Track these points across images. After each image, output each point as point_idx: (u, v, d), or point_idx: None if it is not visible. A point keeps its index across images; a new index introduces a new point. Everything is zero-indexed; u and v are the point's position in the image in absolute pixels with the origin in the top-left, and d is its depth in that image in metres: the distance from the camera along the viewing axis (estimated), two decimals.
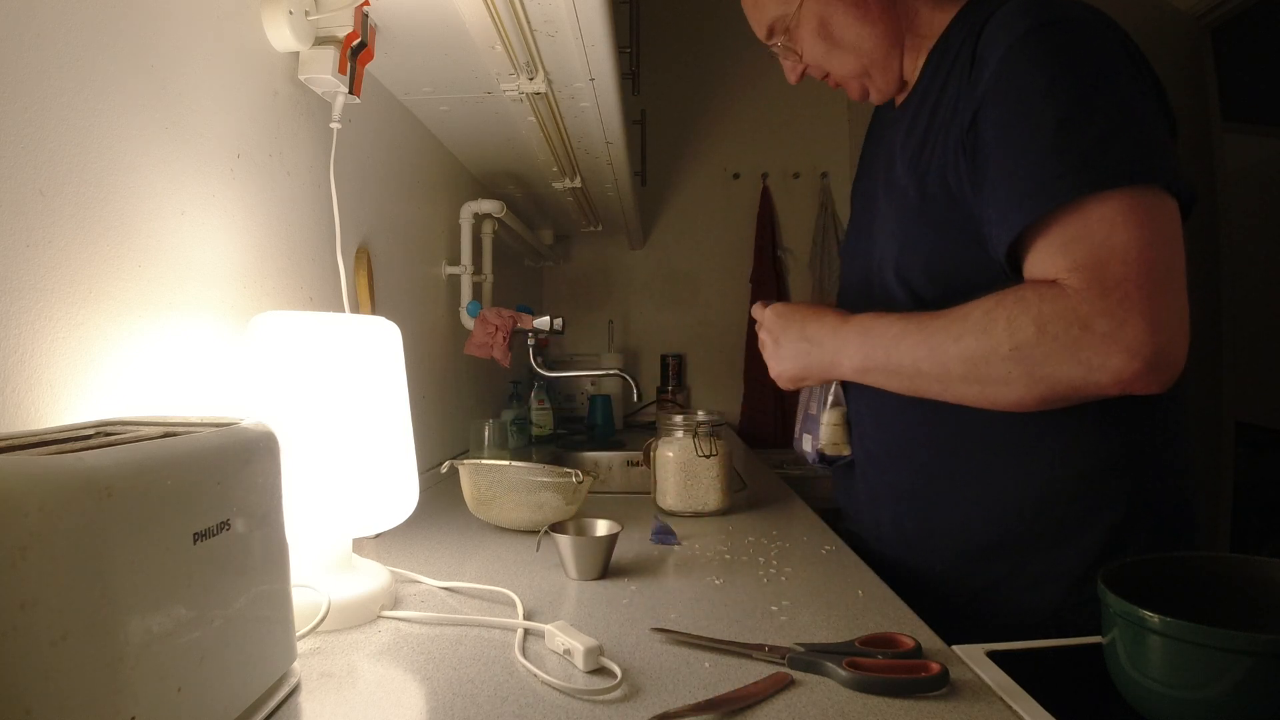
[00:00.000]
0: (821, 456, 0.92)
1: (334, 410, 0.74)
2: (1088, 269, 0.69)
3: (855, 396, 0.92)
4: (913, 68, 0.92)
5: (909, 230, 0.85)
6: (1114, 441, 0.79)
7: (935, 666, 0.60)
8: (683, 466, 1.23)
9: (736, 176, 2.96)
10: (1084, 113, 0.70)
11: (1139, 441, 0.81)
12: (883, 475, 0.92)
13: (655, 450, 1.28)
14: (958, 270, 0.78)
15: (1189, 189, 0.71)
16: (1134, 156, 0.69)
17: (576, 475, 1.12)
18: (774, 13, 0.95)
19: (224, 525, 0.48)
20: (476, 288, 1.81)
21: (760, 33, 1.00)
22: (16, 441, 0.44)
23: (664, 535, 1.08)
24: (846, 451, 0.91)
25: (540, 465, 1.14)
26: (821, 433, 0.88)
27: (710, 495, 1.23)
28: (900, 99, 0.95)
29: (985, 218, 0.76)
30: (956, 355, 0.75)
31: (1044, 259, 0.71)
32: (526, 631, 0.72)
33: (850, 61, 0.93)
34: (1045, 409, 0.76)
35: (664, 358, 2.89)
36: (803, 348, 0.89)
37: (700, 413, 1.29)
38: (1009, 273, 0.76)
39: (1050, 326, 0.70)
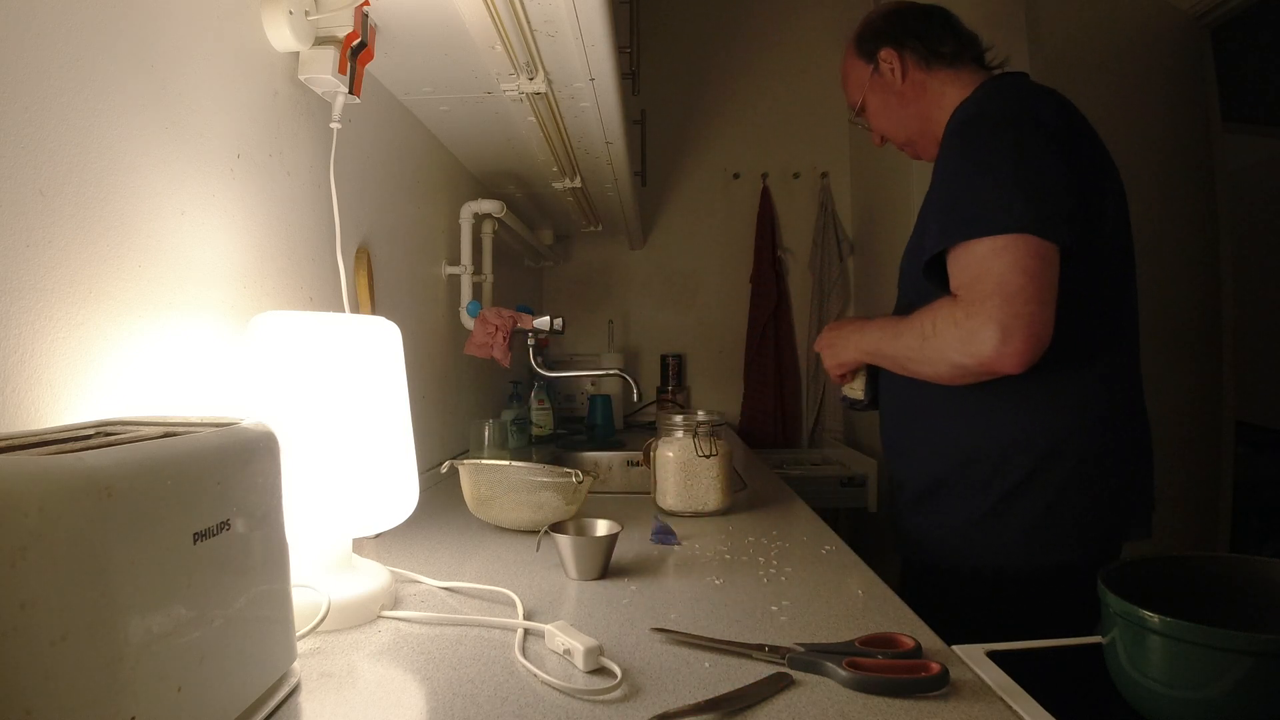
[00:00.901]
0: (845, 399, 1.31)
1: (334, 410, 0.74)
2: (966, 287, 1.00)
3: (883, 374, 1.24)
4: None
5: (908, 252, 1.20)
6: (1023, 423, 1.07)
7: (935, 666, 0.60)
8: (683, 466, 1.23)
9: (736, 176, 2.96)
10: (971, 187, 1.03)
11: (1043, 428, 1.06)
12: (884, 425, 1.28)
13: (655, 450, 1.28)
14: (921, 284, 1.11)
15: (1062, 233, 0.97)
16: (1001, 216, 0.98)
17: (576, 475, 1.12)
18: (853, 96, 1.32)
19: (224, 525, 0.48)
20: (476, 288, 1.81)
21: (852, 112, 1.36)
22: (16, 441, 0.44)
23: (664, 535, 1.08)
24: (859, 397, 1.28)
25: (540, 465, 1.14)
26: (845, 386, 1.31)
27: (710, 495, 1.23)
28: None
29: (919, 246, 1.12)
30: (904, 346, 1.10)
31: (951, 278, 1.03)
32: (526, 631, 0.72)
33: (899, 134, 1.28)
34: (956, 383, 1.06)
35: (664, 358, 2.89)
36: (839, 343, 1.26)
37: (700, 413, 1.29)
38: (930, 283, 1.07)
39: (942, 325, 1.02)
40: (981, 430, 1.09)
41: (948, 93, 1.19)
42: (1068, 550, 1.05)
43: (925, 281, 1.08)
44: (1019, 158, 1.01)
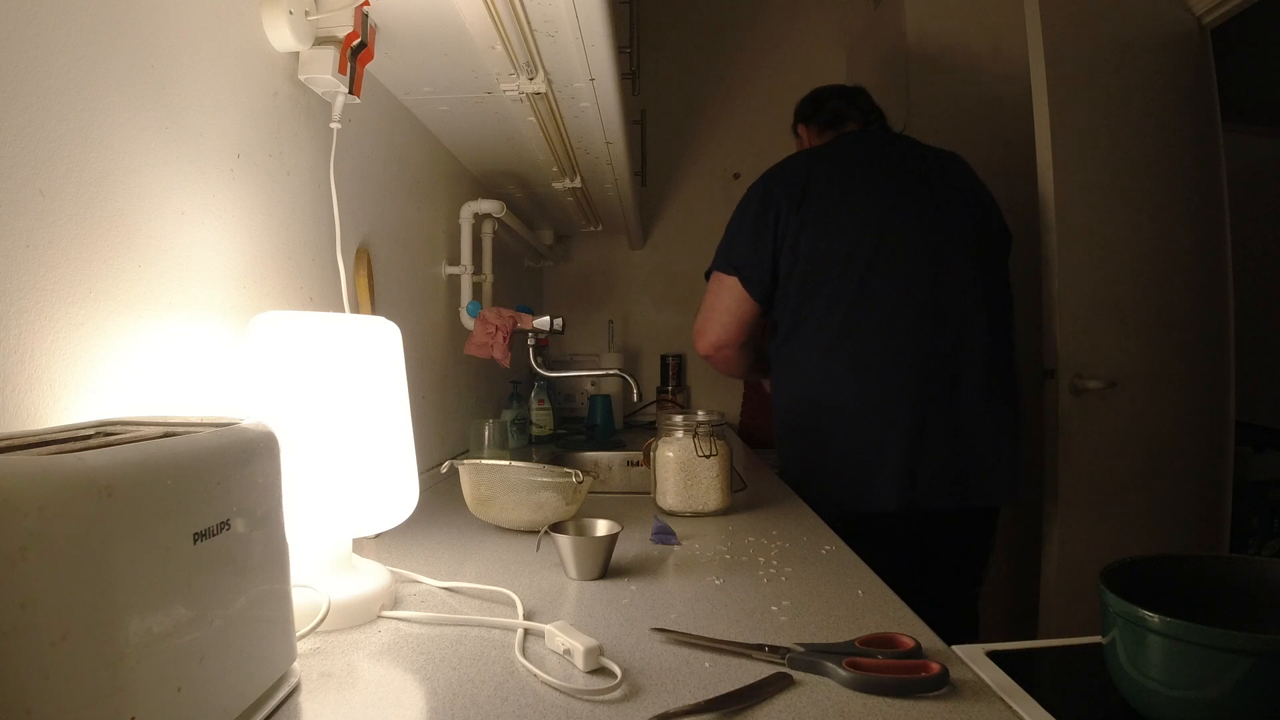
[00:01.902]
0: None
1: (334, 410, 0.74)
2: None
3: None
4: None
5: None
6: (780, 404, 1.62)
7: (935, 666, 0.60)
8: (683, 466, 1.23)
9: (736, 176, 2.96)
10: (724, 238, 1.61)
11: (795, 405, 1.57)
12: None
13: (655, 450, 1.28)
14: None
15: (744, 274, 1.54)
16: (717, 259, 1.60)
17: (576, 475, 1.12)
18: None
19: (224, 525, 0.48)
20: (476, 288, 1.81)
21: None
22: (16, 441, 0.44)
23: (664, 535, 1.08)
24: None
25: (540, 465, 1.14)
26: None
27: (710, 495, 1.23)
28: None
29: None
30: None
31: None
32: (526, 631, 0.72)
33: None
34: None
35: (664, 358, 2.89)
36: None
37: (700, 413, 1.29)
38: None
39: None
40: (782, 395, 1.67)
41: None
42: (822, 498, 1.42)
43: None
44: (742, 218, 1.57)
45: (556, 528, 0.92)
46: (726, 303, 1.55)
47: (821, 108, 1.74)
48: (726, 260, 1.55)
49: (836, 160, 1.55)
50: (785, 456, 1.59)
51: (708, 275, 1.62)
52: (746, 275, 1.52)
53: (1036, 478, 1.91)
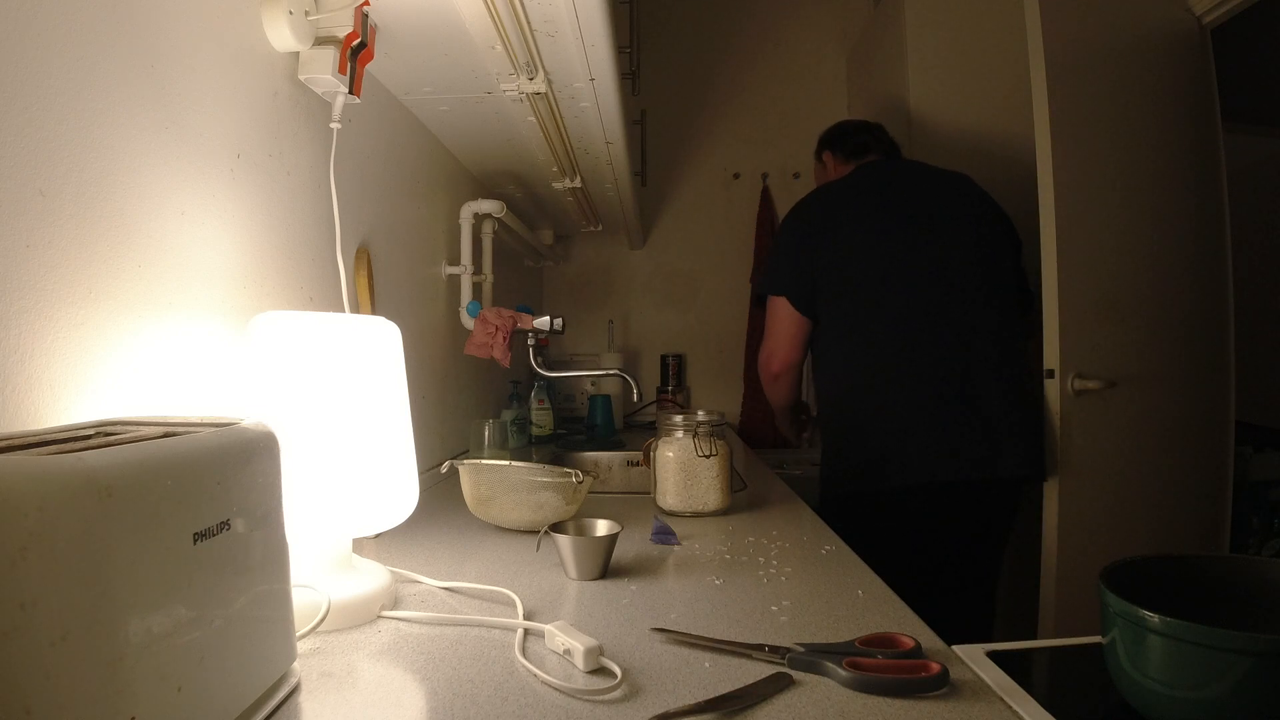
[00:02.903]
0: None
1: (334, 410, 0.74)
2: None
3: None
4: None
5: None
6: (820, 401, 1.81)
7: (935, 666, 0.60)
8: (683, 466, 1.23)
9: (737, 176, 2.96)
10: (769, 264, 1.81)
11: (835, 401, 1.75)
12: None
13: (655, 450, 1.28)
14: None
15: (791, 294, 1.73)
16: (766, 283, 1.79)
17: (576, 475, 1.12)
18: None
19: (224, 525, 0.48)
20: (476, 288, 1.81)
21: None
22: (16, 441, 0.44)
23: (664, 535, 1.08)
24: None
25: (540, 465, 1.14)
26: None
27: (710, 495, 1.23)
28: None
29: None
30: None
31: None
32: (526, 631, 0.72)
33: None
34: (768, 392, 1.91)
35: (664, 358, 2.89)
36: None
37: (700, 413, 1.29)
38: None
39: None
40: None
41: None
42: (855, 483, 1.65)
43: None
44: (786, 240, 1.77)
45: (556, 528, 0.92)
46: (785, 324, 1.74)
47: (848, 139, 1.94)
48: (774, 284, 1.76)
49: (861, 188, 1.76)
50: (826, 445, 1.81)
51: (760, 301, 1.86)
52: (793, 295, 1.73)
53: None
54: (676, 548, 1.04)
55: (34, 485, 0.37)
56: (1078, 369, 1.83)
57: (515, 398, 2.24)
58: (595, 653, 0.64)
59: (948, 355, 1.63)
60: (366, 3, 1.00)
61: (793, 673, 0.63)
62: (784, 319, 1.74)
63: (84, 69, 0.63)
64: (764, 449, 2.70)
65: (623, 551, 1.00)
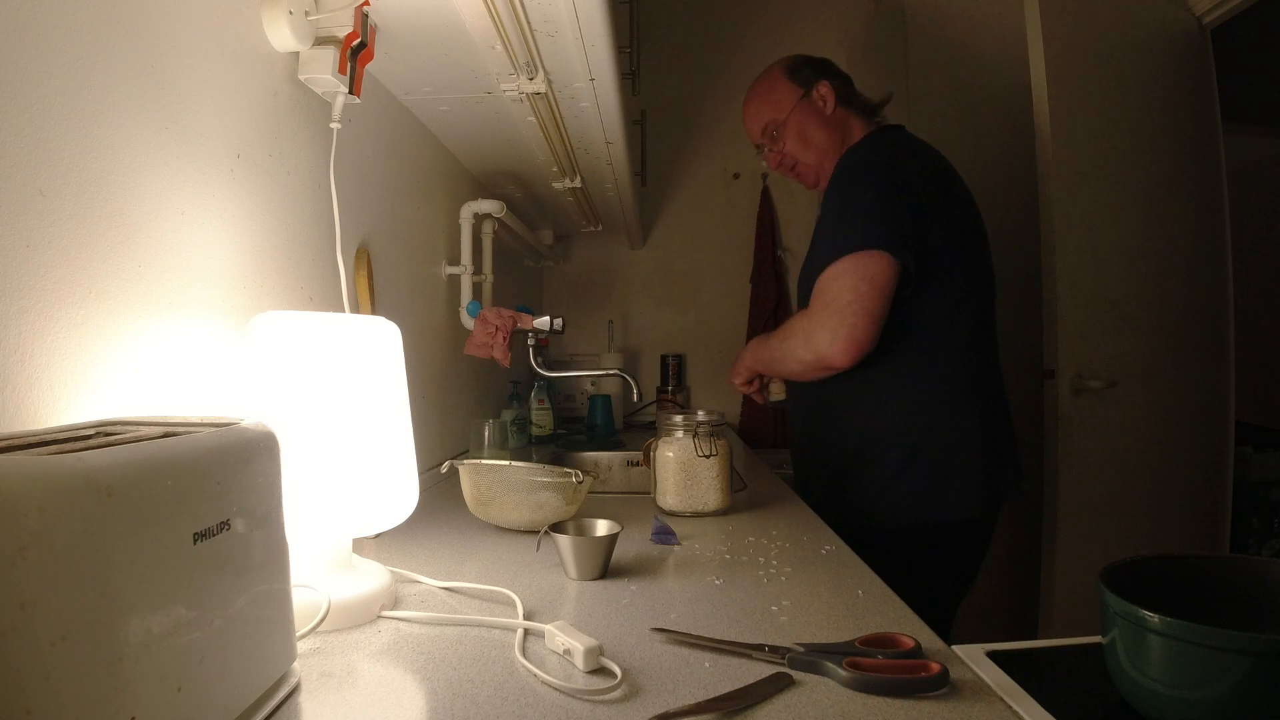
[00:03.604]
0: (773, 401, 1.58)
1: (334, 410, 0.74)
2: (816, 298, 1.28)
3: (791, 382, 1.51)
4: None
5: (806, 264, 1.41)
6: (891, 413, 1.35)
7: (935, 666, 0.60)
8: (683, 466, 1.23)
9: (736, 176, 2.96)
10: (842, 217, 1.30)
11: (909, 414, 1.34)
12: (793, 420, 1.57)
13: (655, 450, 1.28)
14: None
15: (900, 250, 1.23)
16: (858, 237, 1.25)
17: (576, 475, 1.12)
18: (768, 117, 1.52)
19: (224, 525, 0.48)
20: (476, 288, 1.81)
21: (754, 132, 1.57)
22: (16, 441, 0.44)
23: (664, 535, 1.08)
24: (783, 397, 1.56)
25: (540, 465, 1.14)
26: (770, 388, 1.58)
27: (710, 495, 1.23)
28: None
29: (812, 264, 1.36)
30: (774, 349, 1.40)
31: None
32: (526, 631, 0.72)
33: (810, 156, 1.49)
34: (807, 378, 1.37)
35: (664, 358, 2.89)
36: (743, 359, 1.53)
37: (700, 413, 1.29)
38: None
39: (796, 330, 1.33)
40: (867, 421, 1.36)
41: (852, 132, 1.48)
42: (950, 509, 1.32)
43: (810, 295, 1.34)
44: (874, 199, 1.28)
45: (556, 528, 0.93)
46: (878, 284, 1.23)
47: (852, 88, 1.53)
48: (870, 235, 1.25)
49: (935, 155, 1.40)
50: (889, 464, 1.36)
51: (821, 270, 1.29)
52: (900, 251, 1.24)
53: (1036, 477, 1.91)
54: (676, 548, 1.04)
55: (34, 485, 0.37)
56: (1078, 369, 1.84)
57: (515, 398, 2.24)
58: (595, 653, 0.64)
59: (997, 366, 1.43)
60: (366, 3, 1.00)
61: (793, 673, 0.63)
62: (878, 278, 1.22)
63: (84, 69, 0.63)
64: (764, 449, 2.70)
65: (623, 551, 1.00)
